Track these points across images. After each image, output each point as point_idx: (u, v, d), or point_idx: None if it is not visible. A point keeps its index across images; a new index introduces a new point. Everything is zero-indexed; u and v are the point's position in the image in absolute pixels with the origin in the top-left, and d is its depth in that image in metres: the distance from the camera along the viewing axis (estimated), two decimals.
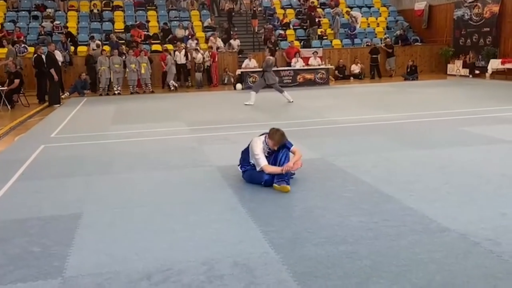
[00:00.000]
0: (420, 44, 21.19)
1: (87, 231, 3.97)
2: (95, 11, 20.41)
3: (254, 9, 21.44)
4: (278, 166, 4.93)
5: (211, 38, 18.81)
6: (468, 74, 18.64)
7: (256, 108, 11.51)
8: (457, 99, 12.12)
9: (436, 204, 4.32)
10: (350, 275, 3.07)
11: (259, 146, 5.05)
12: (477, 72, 18.44)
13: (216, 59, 17.76)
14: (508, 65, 16.79)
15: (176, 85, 16.78)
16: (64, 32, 18.23)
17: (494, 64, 17.34)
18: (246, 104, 11.94)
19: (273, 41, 18.93)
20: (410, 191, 4.71)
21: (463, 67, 19.07)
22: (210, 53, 17.53)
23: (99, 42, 18.05)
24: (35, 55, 14.09)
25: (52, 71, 13.21)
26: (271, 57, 13.47)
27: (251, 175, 5.12)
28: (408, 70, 18.65)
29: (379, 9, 23.29)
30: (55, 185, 5.42)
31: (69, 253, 3.54)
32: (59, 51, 16.10)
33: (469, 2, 19.19)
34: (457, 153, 6.25)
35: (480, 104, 10.70)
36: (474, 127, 7.95)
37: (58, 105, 13.41)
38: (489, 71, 17.54)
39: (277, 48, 18.66)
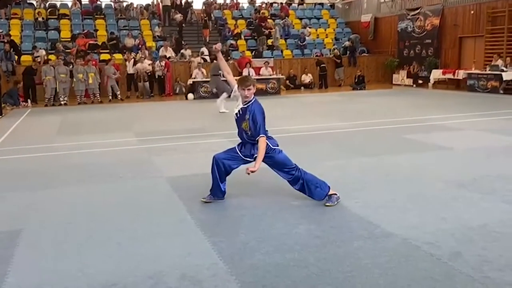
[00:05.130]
0: (367, 55, 21.92)
1: (27, 249, 3.80)
2: (40, 19, 19.72)
3: (205, 19, 21.47)
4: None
5: (162, 48, 18.67)
6: (412, 84, 19.46)
7: (207, 117, 11.49)
8: (401, 108, 12.60)
9: (381, 210, 4.46)
10: (297, 283, 3.10)
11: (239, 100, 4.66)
12: (420, 82, 19.29)
13: (170, 69, 17.63)
14: (448, 75, 17.66)
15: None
16: (7, 41, 17.49)
17: (436, 74, 18.21)
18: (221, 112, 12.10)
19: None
20: (356, 198, 4.83)
21: (407, 77, 19.91)
22: (164, 62, 17.34)
23: (43, 51, 17.46)
24: None
25: None
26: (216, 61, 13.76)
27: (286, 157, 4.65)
28: (356, 80, 19.23)
29: (327, 21, 23.92)
30: None
31: (8, 272, 3.38)
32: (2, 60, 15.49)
33: (412, 15, 20.08)
34: (401, 160, 6.49)
35: (422, 113, 11.16)
36: (417, 135, 8.28)
37: (0, 116, 12.83)
38: (432, 81, 18.40)
39: (228, 58, 18.73)
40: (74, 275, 3.31)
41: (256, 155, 4.54)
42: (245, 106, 4.60)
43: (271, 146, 4.60)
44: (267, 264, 3.38)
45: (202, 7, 22.32)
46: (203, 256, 3.57)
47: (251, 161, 4.64)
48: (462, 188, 5.13)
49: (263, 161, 4.57)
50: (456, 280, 3.08)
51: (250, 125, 4.52)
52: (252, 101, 4.60)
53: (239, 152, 4.69)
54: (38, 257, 3.62)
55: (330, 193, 4.67)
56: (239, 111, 4.65)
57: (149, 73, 17.16)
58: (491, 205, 4.54)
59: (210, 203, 4.81)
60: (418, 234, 3.84)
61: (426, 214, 4.33)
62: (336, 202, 4.64)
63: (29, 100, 15.85)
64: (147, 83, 17.14)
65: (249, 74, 17.41)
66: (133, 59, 17.17)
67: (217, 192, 4.83)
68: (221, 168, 4.72)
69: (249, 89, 4.53)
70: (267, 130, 4.59)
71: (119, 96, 16.60)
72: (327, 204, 4.62)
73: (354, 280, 3.11)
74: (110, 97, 16.47)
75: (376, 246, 3.65)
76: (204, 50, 19.35)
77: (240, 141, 4.77)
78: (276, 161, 4.65)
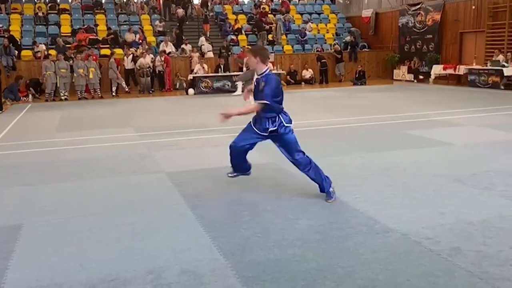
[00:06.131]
0: (367, 50, 21.86)
1: (28, 243, 3.81)
2: (40, 14, 19.69)
3: (206, 14, 21.41)
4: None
5: (163, 43, 18.65)
6: (413, 79, 19.41)
7: (207, 113, 11.47)
8: (402, 103, 12.58)
9: (380, 206, 4.46)
10: (297, 278, 3.11)
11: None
12: (421, 77, 19.24)
13: (169, 64, 17.61)
14: (449, 71, 17.62)
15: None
16: (6, 36, 17.47)
17: (437, 69, 18.16)
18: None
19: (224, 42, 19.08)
20: (356, 194, 4.84)
21: (408, 73, 19.84)
22: (163, 57, 17.33)
23: (43, 46, 17.45)
24: None
25: None
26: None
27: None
28: (357, 75, 19.19)
29: (328, 16, 23.85)
30: None
31: (8, 266, 3.39)
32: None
33: (413, 10, 20.01)
34: (400, 156, 6.48)
35: (423, 108, 11.15)
36: (417, 130, 8.27)
37: (0, 111, 12.82)
38: (432, 76, 18.35)
39: (229, 53, 18.71)
40: (73, 269, 3.32)
41: (271, 129, 4.51)
42: (260, 76, 4.58)
43: (284, 123, 4.57)
44: (267, 259, 3.39)
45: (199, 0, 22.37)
46: (203, 251, 3.57)
47: (266, 136, 4.60)
48: (461, 183, 5.13)
49: (272, 140, 4.61)
50: (456, 276, 3.09)
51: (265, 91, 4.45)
52: (267, 71, 4.60)
53: (254, 128, 4.62)
54: (38, 252, 3.63)
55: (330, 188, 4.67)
56: (255, 83, 4.62)
57: (151, 68, 17.15)
58: (491, 201, 4.54)
59: (209, 199, 4.82)
60: (417, 230, 3.85)
61: (426, 210, 4.33)
62: (334, 198, 4.63)
63: (30, 96, 15.85)
64: (148, 78, 17.12)
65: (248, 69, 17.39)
66: (131, 55, 17.13)
67: (243, 170, 4.90)
68: (241, 154, 4.73)
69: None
70: (282, 106, 4.58)
71: (113, 92, 16.56)
72: (329, 200, 4.60)
73: (354, 275, 3.12)
74: (114, 93, 16.47)
75: (375, 241, 3.66)
76: (203, 40, 19.41)
77: (254, 116, 4.70)
78: (286, 141, 4.60)
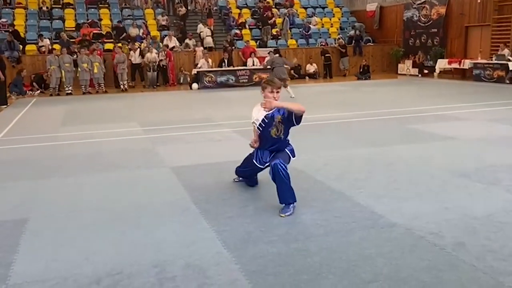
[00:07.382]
0: (372, 44, 21.77)
1: (33, 237, 3.83)
2: (44, 8, 19.71)
3: (210, 8, 21.37)
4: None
5: (166, 37, 18.65)
6: (417, 74, 19.32)
7: (211, 107, 11.48)
8: (406, 98, 12.54)
9: (384, 200, 4.45)
10: (300, 272, 3.12)
11: (254, 111, 4.49)
12: (426, 71, 19.15)
13: (172, 59, 17.62)
14: (454, 65, 17.53)
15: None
16: (11, 30, 17.50)
17: (442, 64, 18.08)
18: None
19: (229, 40, 19.06)
20: (360, 188, 4.84)
21: (412, 67, 19.75)
22: (165, 52, 17.33)
23: (48, 41, 17.49)
24: None
25: None
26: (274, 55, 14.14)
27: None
28: (361, 69, 19.12)
29: (332, 10, 23.75)
30: None
31: (14, 259, 3.42)
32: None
33: (418, 4, 19.89)
34: (404, 150, 6.47)
35: (427, 103, 11.11)
36: (422, 125, 8.25)
37: (5, 106, 12.87)
38: (437, 70, 18.27)
39: (233, 47, 18.68)
40: (78, 262, 3.34)
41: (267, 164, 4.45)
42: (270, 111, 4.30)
43: (289, 153, 4.48)
44: (270, 253, 3.40)
45: None
46: (207, 245, 3.58)
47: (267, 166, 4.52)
48: (466, 178, 5.11)
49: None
50: (460, 270, 3.09)
51: (284, 122, 4.30)
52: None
53: (259, 166, 4.62)
54: (44, 246, 3.65)
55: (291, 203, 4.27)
56: (264, 119, 4.37)
57: (156, 63, 17.17)
58: (495, 195, 4.53)
59: (213, 193, 4.83)
60: (421, 224, 3.84)
61: (430, 204, 4.32)
62: (290, 212, 4.20)
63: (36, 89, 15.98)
64: (155, 73, 17.15)
65: (253, 64, 17.37)
66: (138, 49, 17.15)
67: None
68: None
69: (278, 92, 4.33)
70: (288, 139, 4.57)
71: (121, 86, 16.59)
72: (281, 214, 4.16)
73: (357, 270, 3.13)
74: (123, 87, 16.51)
75: (379, 235, 3.66)
76: (201, 27, 19.46)
77: (257, 150, 4.63)
78: (283, 154, 4.45)
